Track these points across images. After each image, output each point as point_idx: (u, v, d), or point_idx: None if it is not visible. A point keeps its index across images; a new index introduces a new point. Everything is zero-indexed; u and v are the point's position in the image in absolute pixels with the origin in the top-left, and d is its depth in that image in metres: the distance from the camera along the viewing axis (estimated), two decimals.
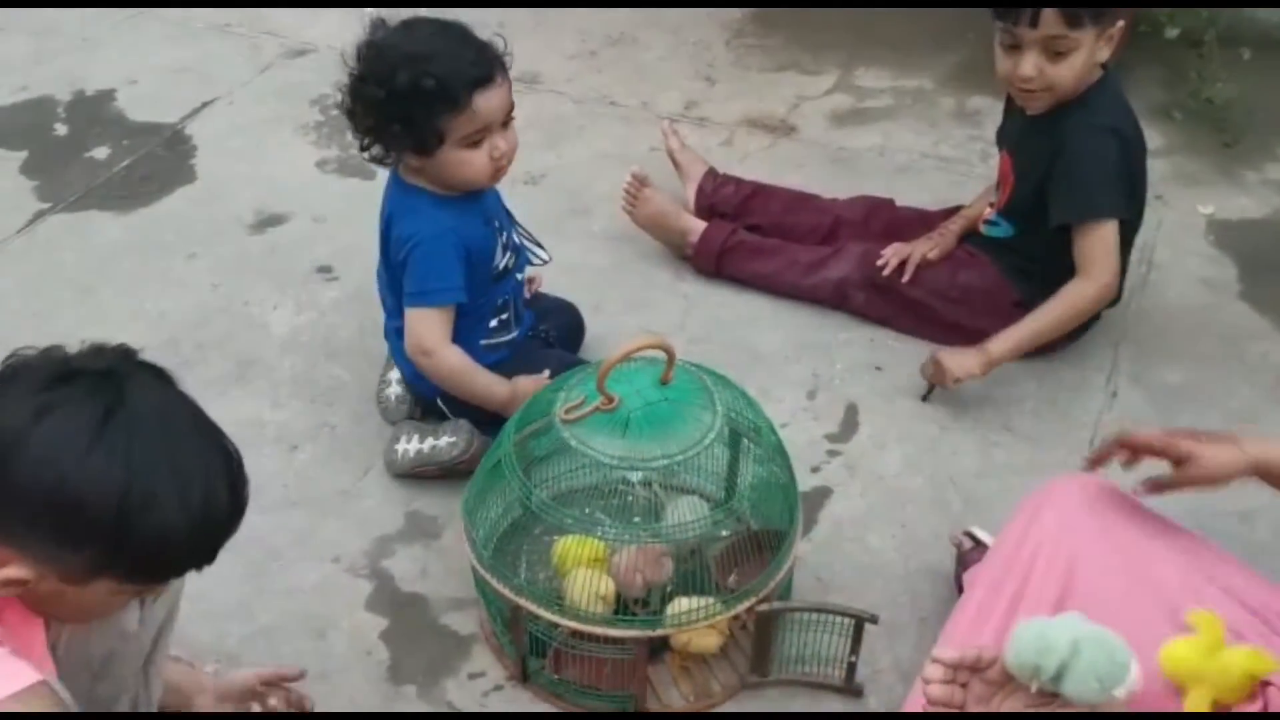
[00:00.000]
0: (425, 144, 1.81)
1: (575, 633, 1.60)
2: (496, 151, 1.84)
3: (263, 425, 2.17)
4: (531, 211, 2.58)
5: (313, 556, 1.91)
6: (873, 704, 1.67)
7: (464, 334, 1.96)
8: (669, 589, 1.65)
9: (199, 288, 2.46)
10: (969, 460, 2.05)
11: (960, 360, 2.03)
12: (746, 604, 1.58)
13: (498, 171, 1.89)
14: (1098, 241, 2.00)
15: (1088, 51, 1.91)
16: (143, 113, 3.07)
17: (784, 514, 1.65)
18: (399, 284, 1.95)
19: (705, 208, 2.55)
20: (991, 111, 2.93)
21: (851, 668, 1.64)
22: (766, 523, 1.70)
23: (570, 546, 1.66)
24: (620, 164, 2.77)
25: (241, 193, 2.78)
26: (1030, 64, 1.92)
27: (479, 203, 1.95)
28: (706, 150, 2.84)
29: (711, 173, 2.58)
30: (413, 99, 1.77)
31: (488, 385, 1.96)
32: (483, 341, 2.02)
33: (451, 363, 1.93)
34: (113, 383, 1.09)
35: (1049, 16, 1.86)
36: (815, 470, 2.04)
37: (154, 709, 1.44)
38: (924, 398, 2.13)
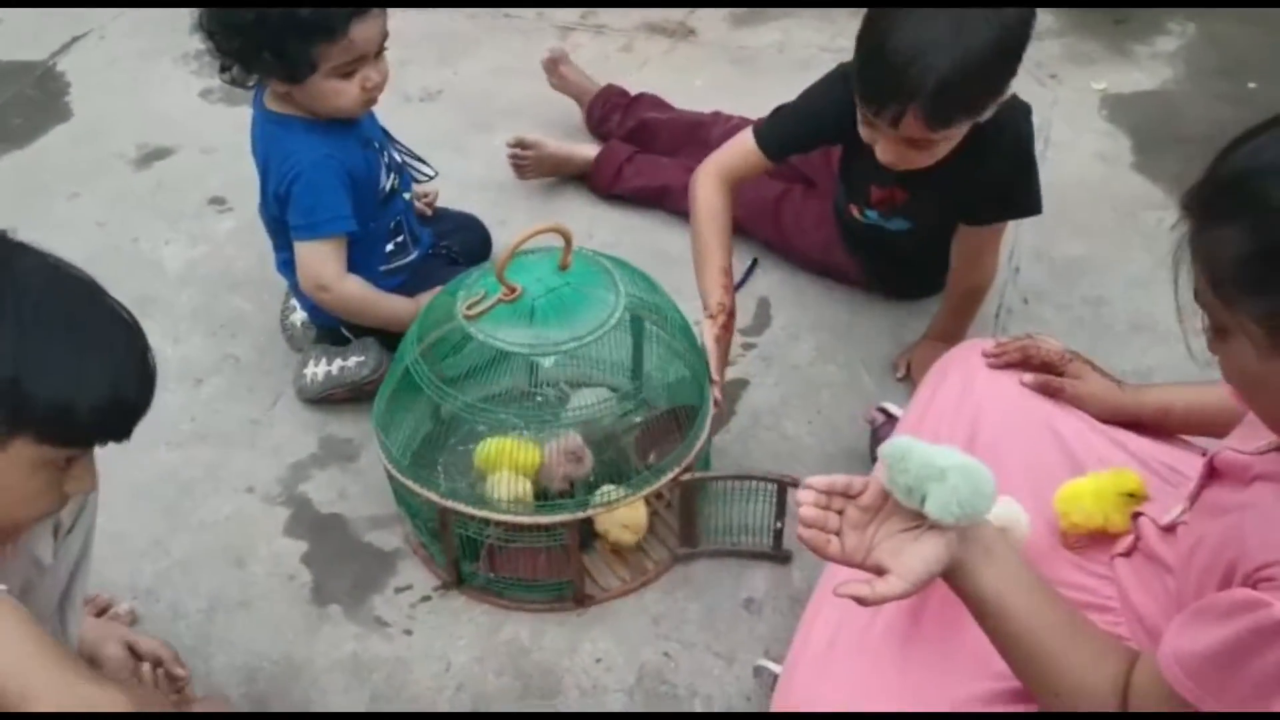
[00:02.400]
0: (296, 73, 1.73)
1: (506, 528, 1.60)
2: (369, 83, 1.77)
3: (165, 361, 2.06)
4: (431, 129, 2.53)
5: (226, 488, 1.87)
6: (798, 569, 1.69)
7: (360, 262, 1.91)
8: (591, 480, 1.65)
9: (84, 228, 2.36)
10: (881, 343, 2.07)
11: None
12: (668, 476, 1.58)
13: (369, 102, 1.81)
14: (998, 235, 1.91)
15: (960, 134, 1.63)
16: (8, 51, 2.92)
17: (694, 390, 1.66)
18: (283, 219, 1.88)
19: (596, 134, 2.52)
20: None
21: (778, 534, 1.66)
22: (676, 401, 1.70)
23: (491, 449, 1.64)
24: (520, 77, 2.72)
25: (122, 128, 2.67)
26: (889, 152, 1.64)
27: (354, 126, 1.87)
28: (605, 58, 2.80)
29: (600, 97, 2.54)
30: (286, 26, 1.68)
31: (393, 309, 1.91)
32: (381, 267, 1.96)
33: (350, 292, 1.87)
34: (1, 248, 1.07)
35: (911, 120, 1.54)
36: (730, 364, 2.04)
37: (73, 648, 1.40)
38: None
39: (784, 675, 1.29)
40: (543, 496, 1.64)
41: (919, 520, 1.03)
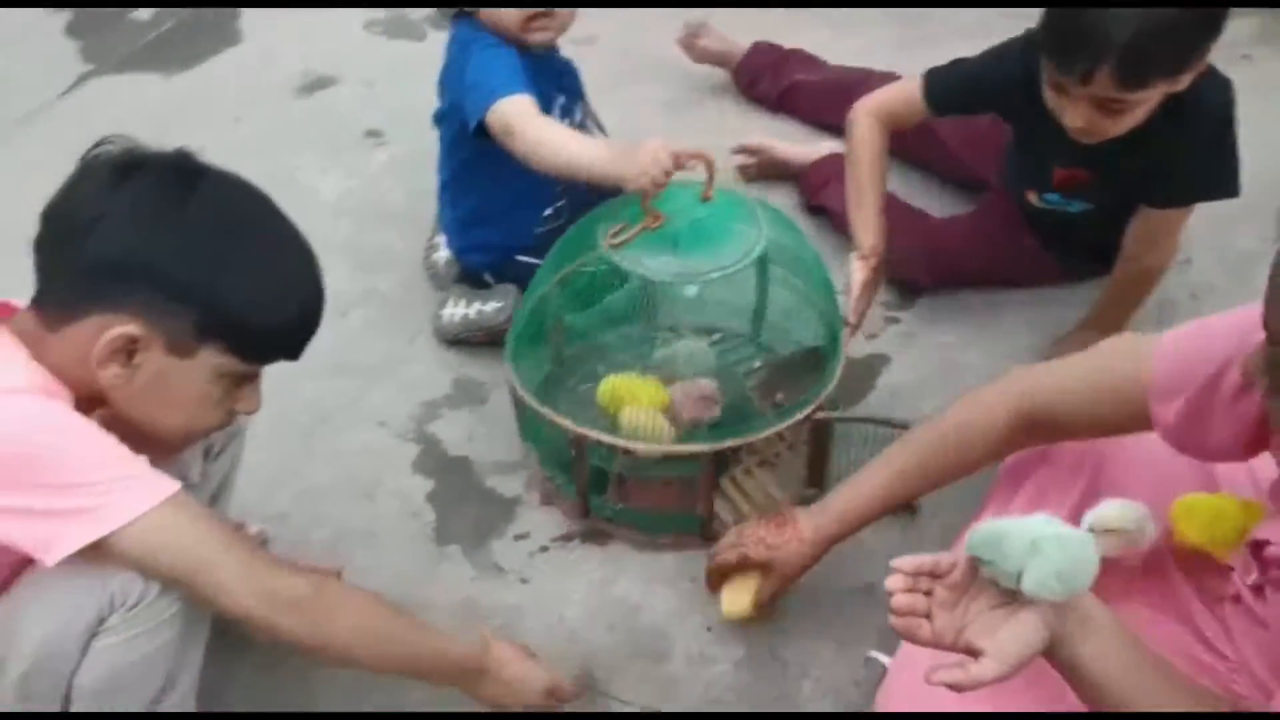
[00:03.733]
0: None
1: (637, 459, 1.61)
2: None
3: None
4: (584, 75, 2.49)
5: (360, 421, 1.91)
6: (928, 526, 1.67)
7: (517, 221, 1.91)
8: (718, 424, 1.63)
9: (244, 153, 2.42)
10: (1027, 334, 1.98)
11: None
12: (805, 411, 1.57)
13: (531, 28, 1.77)
14: (1184, 217, 1.80)
15: (1154, 101, 1.55)
16: None
17: (825, 335, 1.64)
18: (453, 136, 1.88)
19: (749, 98, 2.49)
20: None
21: None
22: (802, 346, 1.69)
23: (618, 385, 1.64)
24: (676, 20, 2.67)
25: (288, 56, 2.73)
26: (1079, 117, 1.57)
27: (548, 60, 1.85)
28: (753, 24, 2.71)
29: (749, 57, 2.49)
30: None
31: (587, 153, 1.63)
32: (537, 230, 1.94)
33: (539, 130, 1.67)
34: (189, 166, 1.13)
35: (1103, 77, 1.48)
36: (872, 337, 1.99)
37: None
38: None
39: (891, 671, 1.26)
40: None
41: (1012, 597, 0.97)
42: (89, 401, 1.16)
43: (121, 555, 1.10)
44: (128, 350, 1.11)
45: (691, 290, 1.58)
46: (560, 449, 1.67)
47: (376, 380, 1.98)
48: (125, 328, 1.09)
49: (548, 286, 1.62)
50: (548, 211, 1.95)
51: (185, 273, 1.09)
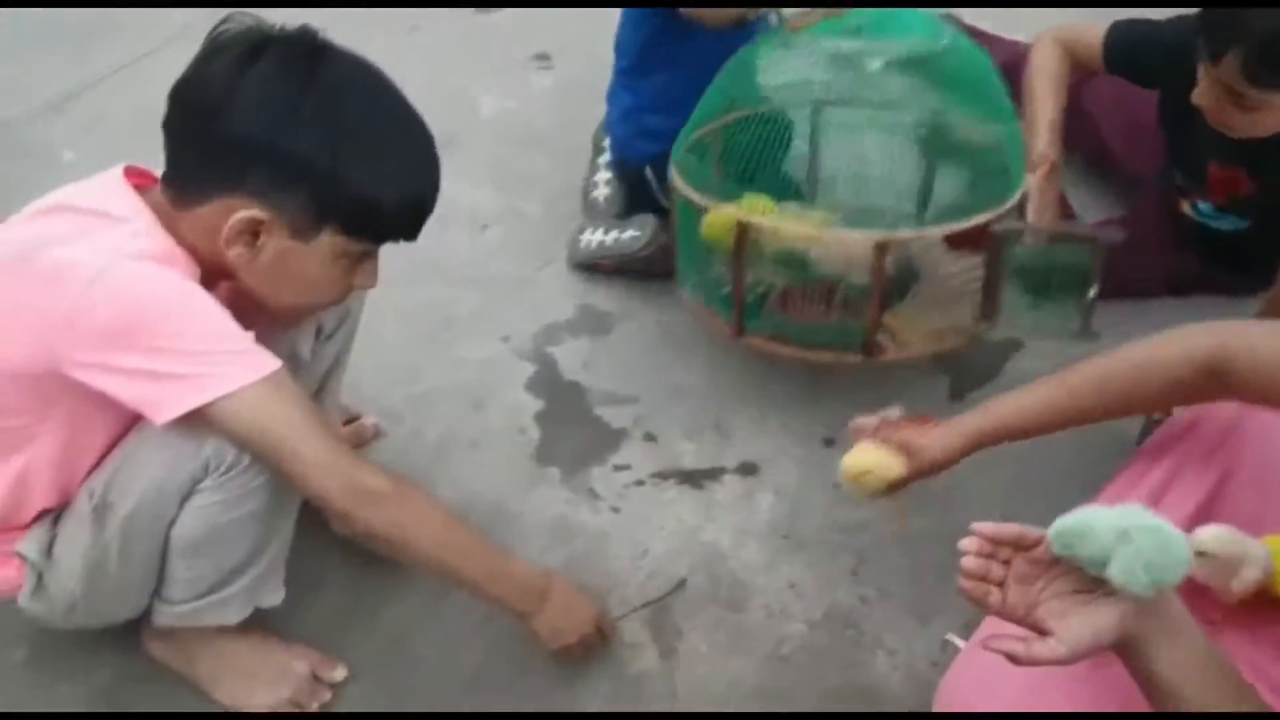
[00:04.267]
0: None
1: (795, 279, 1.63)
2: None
3: (457, 203, 2.20)
4: None
5: (485, 333, 1.95)
6: None
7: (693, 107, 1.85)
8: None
9: (413, 61, 2.48)
10: None
11: None
12: (979, 218, 1.53)
13: None
14: None
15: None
16: None
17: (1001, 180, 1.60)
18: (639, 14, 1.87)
19: None
20: None
21: (1089, 309, 1.55)
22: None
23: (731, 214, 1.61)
24: None
25: None
26: (1206, 96, 1.52)
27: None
28: None
29: None
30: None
31: None
32: None
33: None
34: (313, 45, 1.14)
35: (1230, 64, 1.43)
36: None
37: None
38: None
39: (960, 658, 1.22)
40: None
41: (1095, 585, 0.92)
42: (215, 274, 1.21)
43: (219, 424, 1.16)
44: (252, 231, 1.15)
45: (876, 64, 1.58)
46: (716, 261, 1.68)
47: (505, 296, 2.01)
48: (250, 211, 1.14)
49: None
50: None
51: (307, 152, 1.12)
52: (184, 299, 1.14)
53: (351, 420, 1.74)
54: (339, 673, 1.44)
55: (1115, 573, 0.89)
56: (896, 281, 1.61)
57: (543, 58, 2.56)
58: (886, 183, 1.70)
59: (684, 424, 1.79)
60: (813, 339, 1.66)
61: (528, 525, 1.64)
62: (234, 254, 1.17)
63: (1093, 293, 1.51)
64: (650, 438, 1.77)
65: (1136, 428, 1.59)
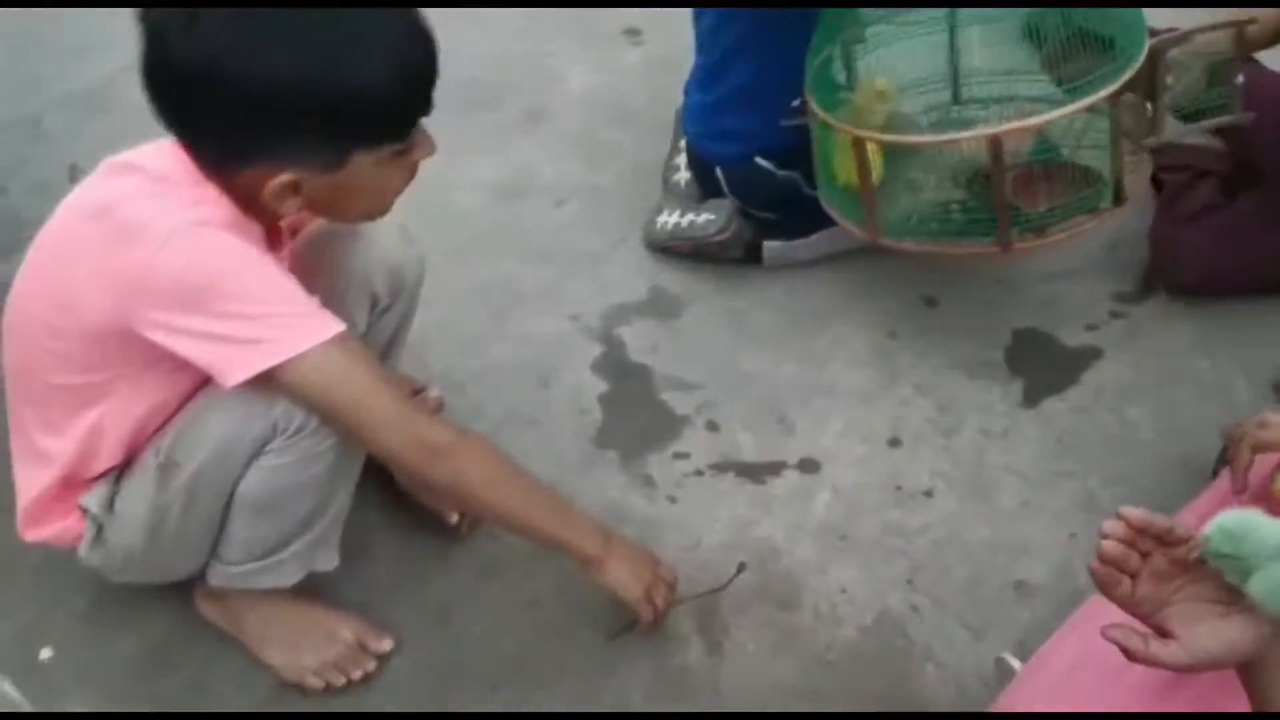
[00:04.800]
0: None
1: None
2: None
3: (536, 175, 2.19)
4: None
5: (553, 310, 1.94)
6: (1083, 560, 1.53)
7: (772, 110, 1.79)
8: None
9: (504, 31, 2.48)
10: (1271, 350, 1.79)
11: None
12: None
13: None
14: None
15: None
16: None
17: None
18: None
19: None
20: None
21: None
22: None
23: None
24: None
25: None
26: None
27: None
28: None
29: None
30: None
31: None
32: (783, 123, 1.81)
33: None
34: None
35: None
36: (1091, 328, 1.85)
37: None
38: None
39: (1016, 680, 1.19)
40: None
41: (1232, 596, 0.87)
42: (276, 229, 1.25)
43: (287, 386, 1.18)
44: (292, 188, 1.17)
45: None
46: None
47: (577, 273, 2.00)
48: (280, 177, 1.15)
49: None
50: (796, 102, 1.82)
51: (294, 97, 1.10)
52: (250, 264, 1.16)
53: (417, 393, 1.75)
54: (385, 644, 1.45)
55: (1255, 588, 0.85)
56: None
57: (633, 33, 2.54)
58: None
59: (747, 415, 1.76)
60: (944, 232, 1.67)
61: (581, 508, 1.63)
62: (285, 209, 1.20)
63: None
64: (712, 426, 1.75)
65: (1213, 454, 1.53)
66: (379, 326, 1.47)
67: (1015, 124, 1.56)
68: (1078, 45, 1.60)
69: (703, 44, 1.93)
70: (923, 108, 1.87)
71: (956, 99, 1.89)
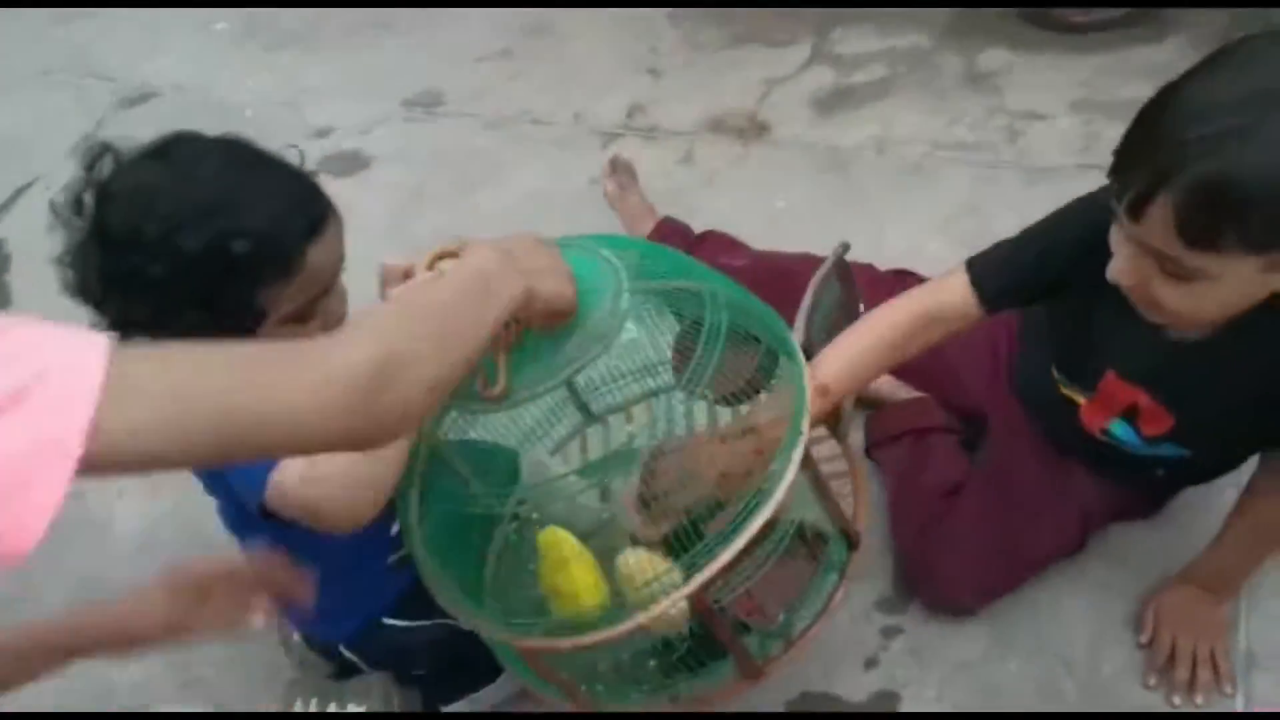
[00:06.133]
0: (240, 324, 1.17)
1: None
2: (332, 319, 1.20)
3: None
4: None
5: None
6: None
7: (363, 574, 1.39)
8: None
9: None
10: (1091, 621, 1.48)
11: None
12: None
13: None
14: None
15: (1237, 283, 1.01)
16: None
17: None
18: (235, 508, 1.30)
19: None
20: (1010, 70, 2.32)
21: None
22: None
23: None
24: (556, 207, 2.18)
25: None
26: (1124, 263, 1.06)
27: None
28: (664, 173, 2.24)
29: (660, 228, 1.98)
30: (216, 269, 1.13)
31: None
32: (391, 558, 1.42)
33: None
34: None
35: (1158, 215, 0.97)
36: (871, 665, 1.48)
37: None
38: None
39: None
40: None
41: None
42: None
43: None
44: None
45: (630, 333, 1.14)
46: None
47: None
48: None
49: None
50: (391, 558, 1.41)
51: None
52: None
53: None
54: None
55: None
56: None
57: None
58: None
59: None
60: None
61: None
62: None
63: None
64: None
65: None
66: None
67: (703, 576, 1.06)
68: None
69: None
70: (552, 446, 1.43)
71: (587, 412, 1.46)
